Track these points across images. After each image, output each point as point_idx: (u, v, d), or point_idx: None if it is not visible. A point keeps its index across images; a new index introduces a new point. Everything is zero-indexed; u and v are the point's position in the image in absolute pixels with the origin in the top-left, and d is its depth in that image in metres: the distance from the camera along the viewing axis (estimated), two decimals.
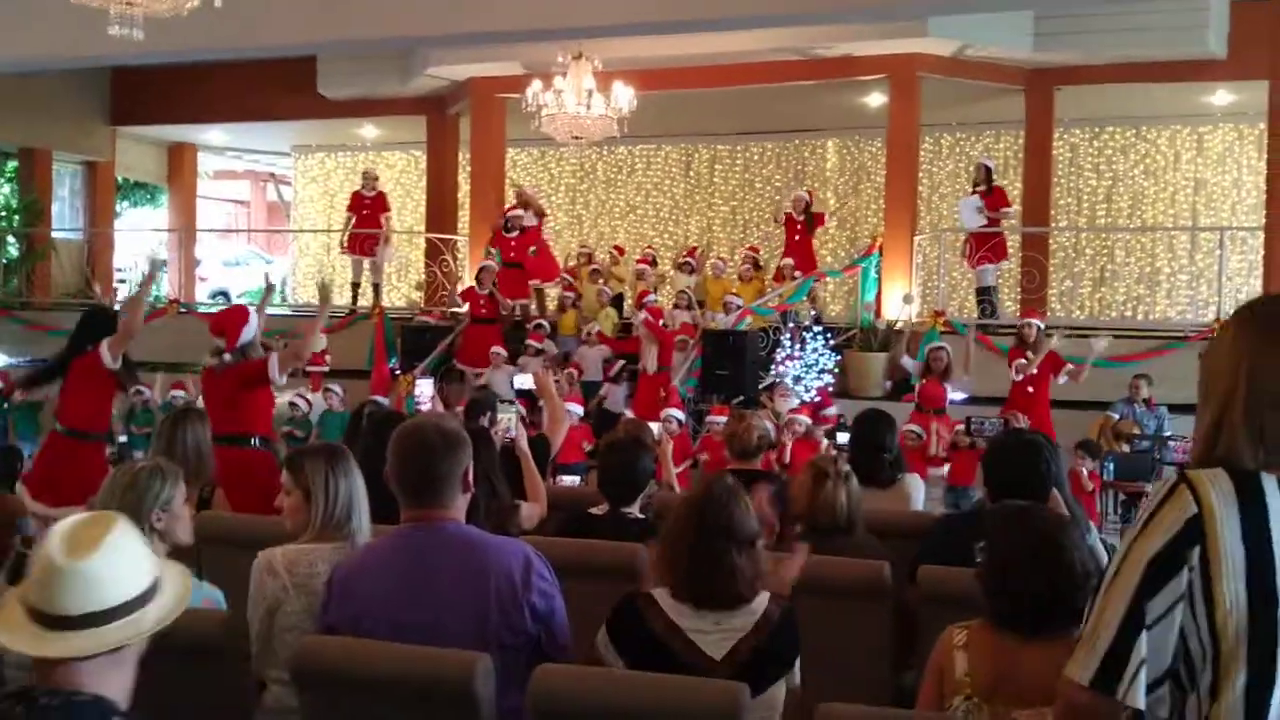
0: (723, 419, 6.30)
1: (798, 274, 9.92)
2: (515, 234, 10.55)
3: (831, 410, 7.77)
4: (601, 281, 10.42)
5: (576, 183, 14.28)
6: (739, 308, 9.34)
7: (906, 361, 8.17)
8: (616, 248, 12.04)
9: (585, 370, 9.26)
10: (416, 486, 2.27)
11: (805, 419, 7.12)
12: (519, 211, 10.62)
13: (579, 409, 7.52)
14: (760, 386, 8.34)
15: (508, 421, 3.80)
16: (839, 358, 9.15)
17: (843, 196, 13.13)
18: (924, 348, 8.24)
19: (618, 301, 10.54)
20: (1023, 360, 7.61)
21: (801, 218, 10.51)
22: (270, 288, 6.32)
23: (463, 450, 2.30)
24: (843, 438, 5.99)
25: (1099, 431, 7.61)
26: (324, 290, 5.25)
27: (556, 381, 7.06)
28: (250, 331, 4.86)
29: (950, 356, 7.76)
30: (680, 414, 7.45)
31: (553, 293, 10.67)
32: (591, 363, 9.34)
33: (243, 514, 3.77)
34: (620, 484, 3.43)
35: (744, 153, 13.52)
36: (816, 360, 8.90)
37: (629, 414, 7.42)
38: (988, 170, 9.99)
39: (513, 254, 10.52)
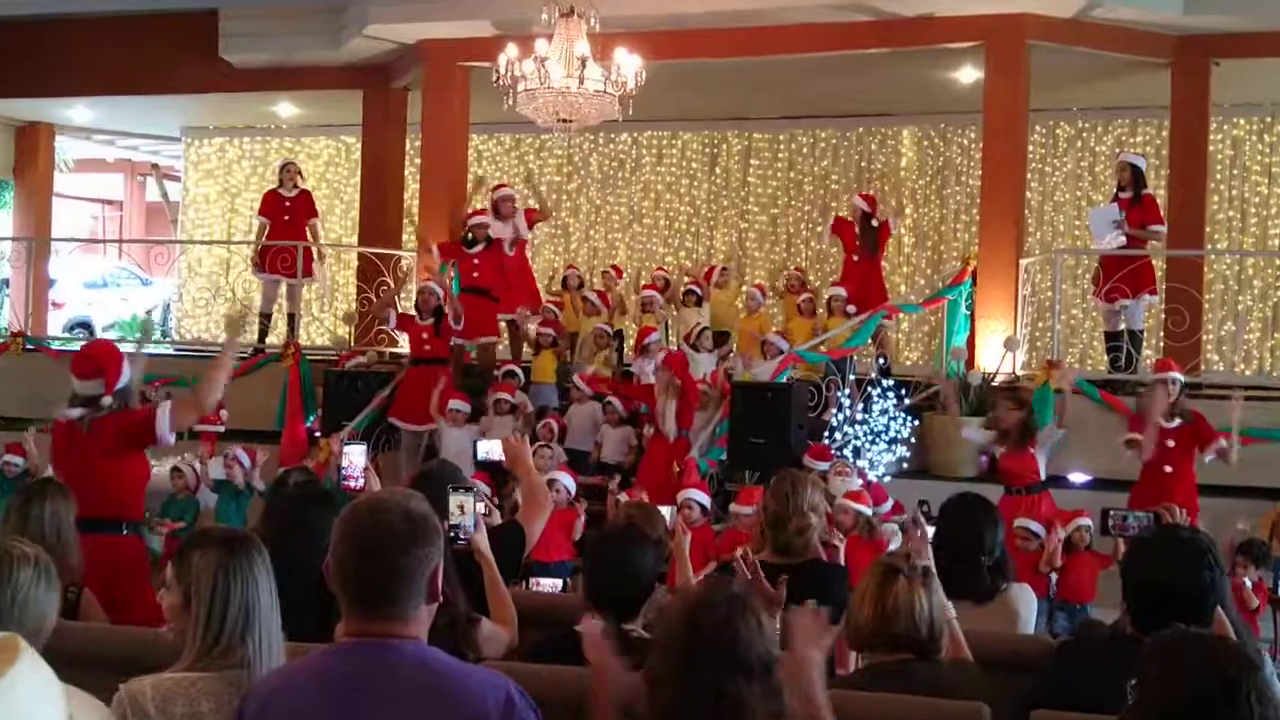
0: (752, 509, 6.33)
1: (851, 309, 10.03)
2: (480, 248, 10.61)
3: (885, 507, 7.40)
4: (606, 314, 10.65)
5: (563, 181, 14.38)
6: (782, 352, 9.37)
7: (971, 432, 8.20)
8: (614, 268, 12.15)
9: (571, 432, 9.33)
10: (366, 588, 2.22)
11: (866, 509, 7.02)
12: (484, 219, 10.70)
13: (569, 481, 7.62)
14: (808, 461, 8.24)
15: (466, 507, 3.70)
16: (916, 423, 9.16)
17: (921, 203, 13.21)
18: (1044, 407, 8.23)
19: (615, 340, 10.75)
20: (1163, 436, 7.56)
21: (862, 231, 10.63)
22: (149, 322, 6.13)
23: (433, 542, 2.27)
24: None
25: (1270, 530, 7.60)
26: (234, 322, 5.28)
27: (538, 452, 6.94)
28: (128, 375, 4.88)
29: (1024, 404, 7.73)
30: (703, 497, 7.44)
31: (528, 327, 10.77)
32: (580, 423, 9.43)
33: (115, 625, 3.74)
34: (614, 590, 3.40)
35: (789, 144, 13.66)
36: (886, 426, 8.94)
37: (623, 497, 7.35)
38: (1136, 171, 9.76)
39: (476, 275, 10.59)
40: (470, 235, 10.67)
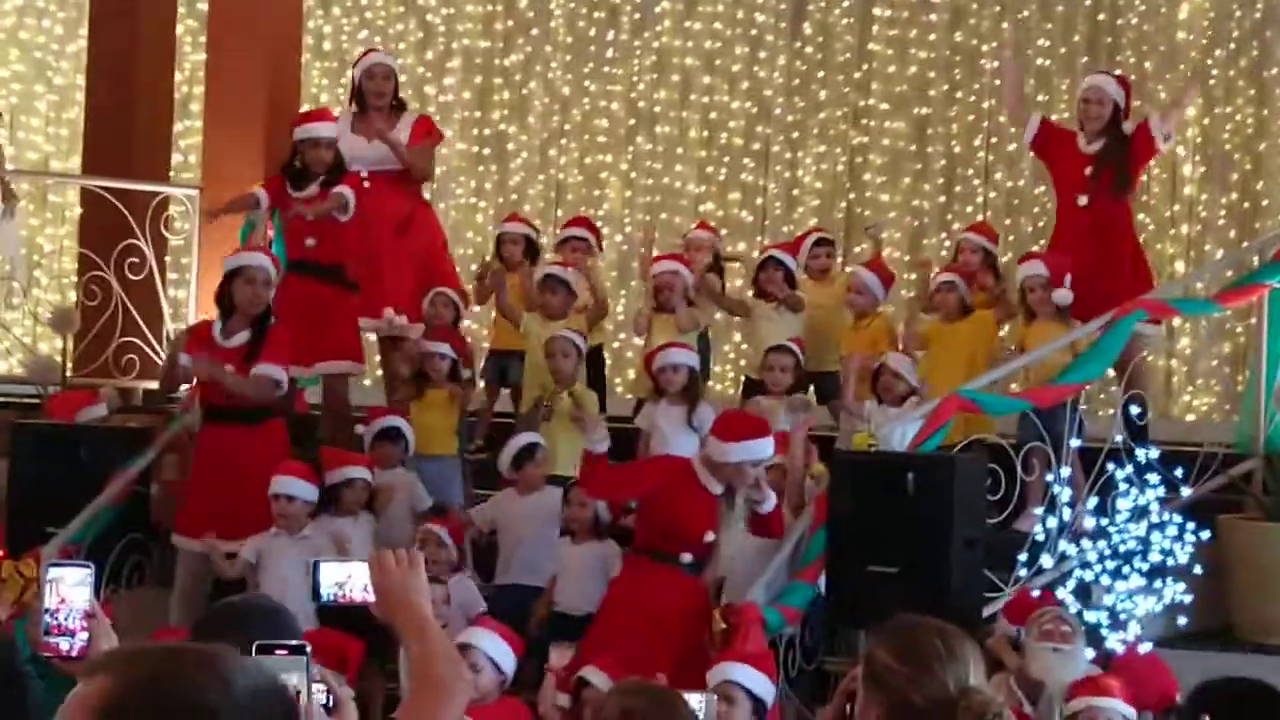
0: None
1: (1066, 298, 10.12)
2: (313, 187, 10.78)
3: None
4: (577, 311, 11.32)
5: (495, 48, 15.13)
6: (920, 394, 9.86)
7: None
8: (580, 223, 12.40)
9: (515, 538, 9.91)
10: None
11: (1118, 709, 7.48)
12: (326, 129, 10.95)
13: (498, 648, 8.02)
14: (985, 611, 8.66)
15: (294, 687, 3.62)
16: (1206, 538, 9.14)
17: (1219, 97, 13.52)
18: None
19: (595, 358, 11.42)
20: None
21: (1106, 148, 10.62)
22: None
23: None
24: None
25: None
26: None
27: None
28: None
29: None
30: (764, 683, 7.74)
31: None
32: (530, 525, 9.95)
33: None
34: None
35: None
36: (1145, 543, 8.90)
37: (598, 678, 7.84)
38: None
39: (312, 244, 10.78)
40: (300, 161, 10.80)
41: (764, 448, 9.50)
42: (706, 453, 9.49)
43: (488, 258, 12.37)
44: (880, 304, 11.14)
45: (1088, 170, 10.64)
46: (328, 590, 5.53)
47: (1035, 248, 12.01)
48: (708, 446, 9.57)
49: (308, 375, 10.88)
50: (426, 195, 12.21)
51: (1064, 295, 10.13)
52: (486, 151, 15.10)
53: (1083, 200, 10.61)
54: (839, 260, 12.36)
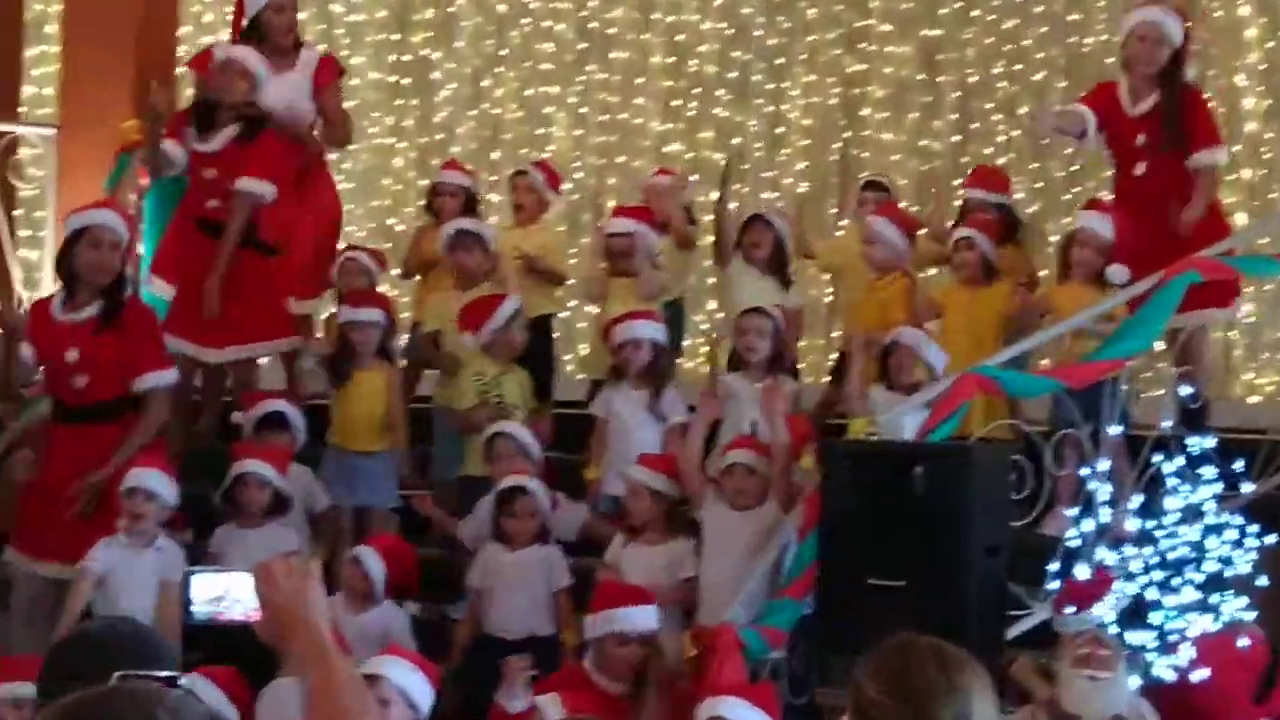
0: None
1: (1119, 272, 10.26)
2: (226, 132, 11.04)
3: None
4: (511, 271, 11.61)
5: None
6: (936, 372, 10.02)
7: None
8: (540, 167, 12.75)
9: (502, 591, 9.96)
10: None
11: None
12: (239, 55, 11.13)
13: (413, 682, 8.04)
14: (1009, 633, 8.78)
15: None
16: (1273, 541, 9.00)
17: None
18: None
19: (540, 331, 11.56)
20: None
21: (1164, 99, 10.72)
22: None
23: None
24: None
25: None
26: None
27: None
28: None
29: None
30: (753, 714, 7.90)
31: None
32: (522, 582, 9.95)
33: None
34: None
35: None
36: (1199, 549, 8.84)
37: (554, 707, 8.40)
38: None
39: (214, 205, 11.11)
40: (205, 102, 11.27)
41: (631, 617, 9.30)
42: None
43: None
44: (900, 259, 11.11)
45: (1140, 138, 10.66)
46: (202, 608, 5.89)
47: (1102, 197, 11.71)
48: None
49: (219, 358, 11.00)
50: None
51: (1120, 273, 10.10)
52: (406, 82, 15.00)
53: (1139, 169, 10.62)
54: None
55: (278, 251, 11.20)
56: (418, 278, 12.16)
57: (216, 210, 10.99)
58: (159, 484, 9.70)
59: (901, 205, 12.64)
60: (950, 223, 11.49)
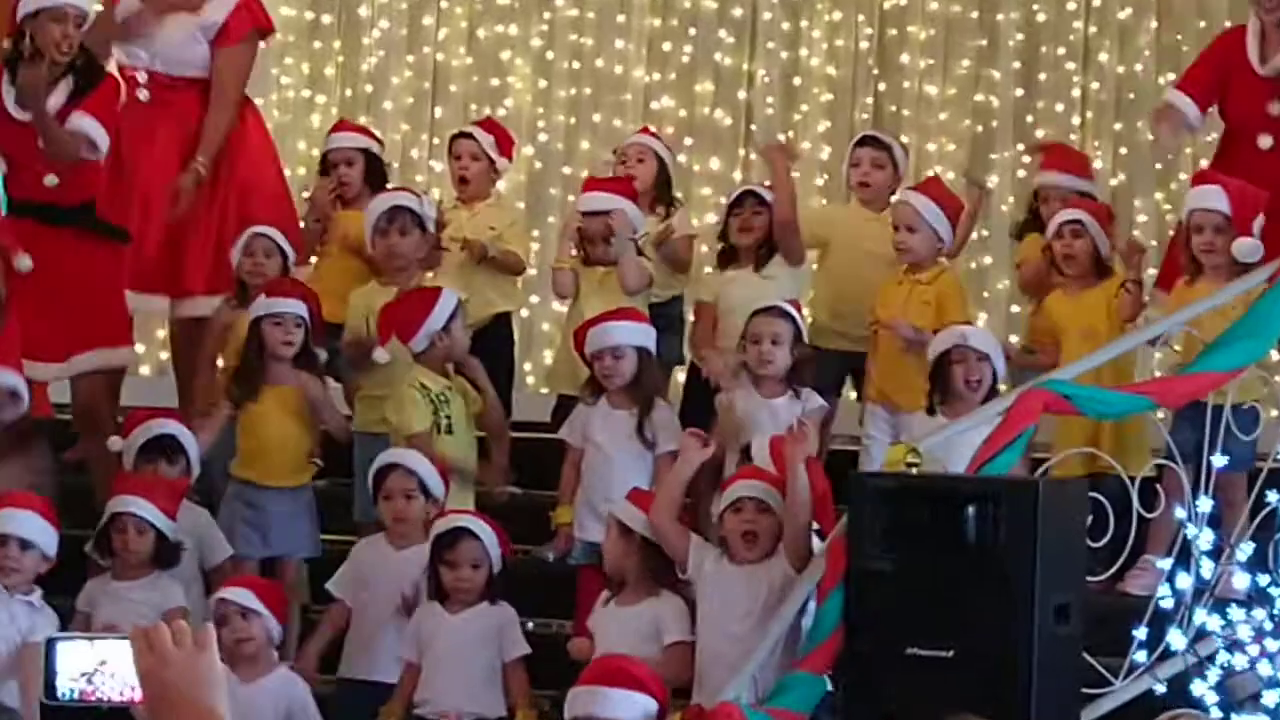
0: None
1: (1252, 249, 10.15)
2: (56, 93, 10.99)
3: None
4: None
5: None
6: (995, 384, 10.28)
7: None
8: (488, 126, 12.61)
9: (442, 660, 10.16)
10: None
11: None
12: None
13: None
14: (1085, 716, 9.18)
15: None
16: None
17: None
18: None
19: (496, 334, 11.78)
20: None
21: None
22: None
23: None
24: None
25: None
26: None
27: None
28: None
29: None
30: None
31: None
32: (468, 649, 10.15)
33: None
34: None
35: None
36: None
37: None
38: None
39: (51, 183, 11.05)
40: (27, 48, 10.97)
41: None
42: None
43: (309, 193, 12.32)
44: (943, 249, 10.78)
45: (1272, 107, 10.49)
46: (67, 685, 4.98)
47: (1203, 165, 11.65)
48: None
49: (56, 372, 10.95)
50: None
51: (1250, 247, 9.74)
52: (327, 20, 14.72)
53: (1265, 142, 10.46)
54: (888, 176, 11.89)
55: (127, 238, 11.04)
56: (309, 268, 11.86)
57: (56, 190, 10.79)
58: (36, 531, 9.59)
59: (940, 176, 12.27)
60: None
